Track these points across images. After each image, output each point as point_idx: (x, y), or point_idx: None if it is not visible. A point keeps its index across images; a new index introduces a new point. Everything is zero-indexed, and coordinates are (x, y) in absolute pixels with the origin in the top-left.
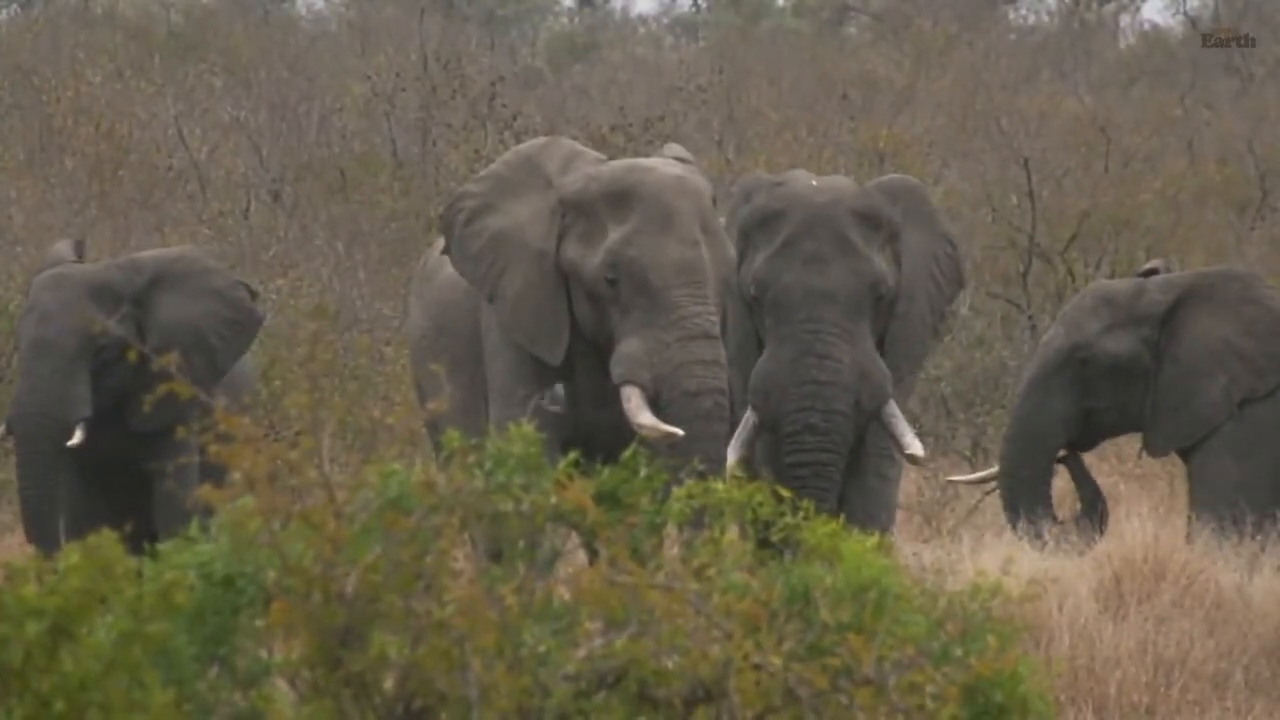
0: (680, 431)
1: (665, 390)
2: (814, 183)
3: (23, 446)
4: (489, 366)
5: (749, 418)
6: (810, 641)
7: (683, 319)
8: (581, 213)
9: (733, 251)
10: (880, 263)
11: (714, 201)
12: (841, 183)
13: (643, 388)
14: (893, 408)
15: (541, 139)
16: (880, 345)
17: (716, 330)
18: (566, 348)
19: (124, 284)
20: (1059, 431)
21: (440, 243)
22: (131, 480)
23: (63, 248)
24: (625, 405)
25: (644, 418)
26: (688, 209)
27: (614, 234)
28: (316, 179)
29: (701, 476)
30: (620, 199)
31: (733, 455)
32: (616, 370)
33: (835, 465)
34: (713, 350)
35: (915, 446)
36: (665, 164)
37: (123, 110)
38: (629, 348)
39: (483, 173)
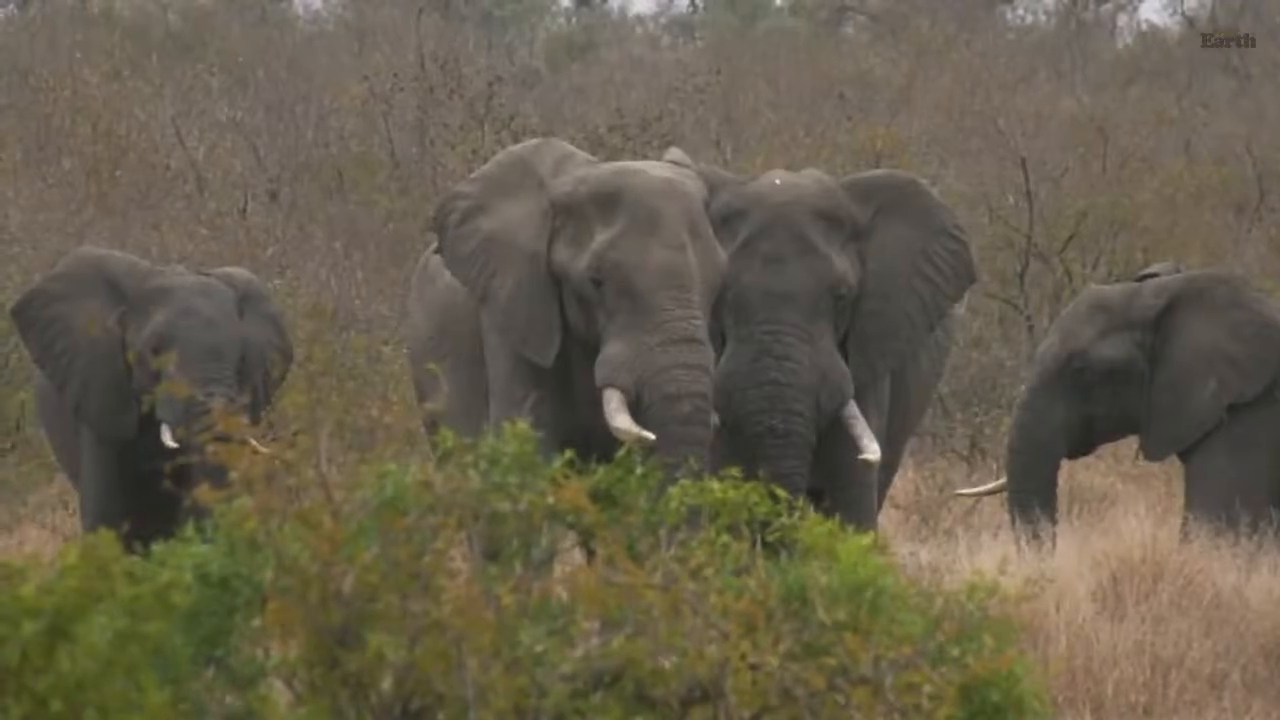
0: (652, 436)
1: (646, 394)
2: (777, 181)
3: None
4: (489, 367)
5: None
6: (807, 641)
7: (666, 323)
8: (571, 215)
9: (724, 255)
10: (841, 262)
11: (706, 206)
12: (805, 180)
13: (624, 391)
14: (853, 409)
15: (534, 140)
16: (844, 344)
17: (701, 334)
18: (559, 350)
19: (235, 298)
20: (1061, 439)
21: None
22: (162, 484)
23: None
24: (605, 408)
25: (620, 421)
26: (675, 212)
27: (600, 237)
28: (314, 179)
29: (674, 480)
30: (608, 201)
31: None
32: (599, 373)
33: (799, 471)
34: (696, 355)
35: (872, 451)
36: (655, 167)
37: (120, 110)
38: (612, 351)
39: (475, 174)
